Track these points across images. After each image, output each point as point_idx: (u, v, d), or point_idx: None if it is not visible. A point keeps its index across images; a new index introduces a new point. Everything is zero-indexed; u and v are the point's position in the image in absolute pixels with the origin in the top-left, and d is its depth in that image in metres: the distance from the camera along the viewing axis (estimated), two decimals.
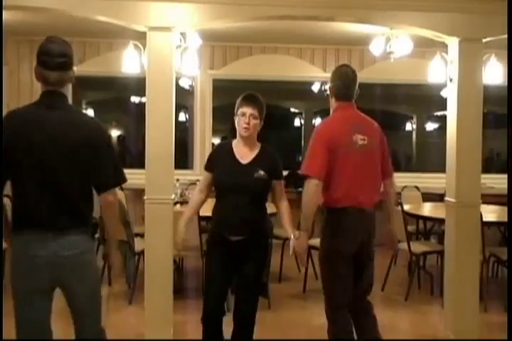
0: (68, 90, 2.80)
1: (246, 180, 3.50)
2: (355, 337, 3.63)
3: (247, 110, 3.51)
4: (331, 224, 3.61)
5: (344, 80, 3.60)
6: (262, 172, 3.52)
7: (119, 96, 9.65)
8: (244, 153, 3.59)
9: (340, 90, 3.62)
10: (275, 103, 10.03)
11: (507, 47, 3.97)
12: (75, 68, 2.78)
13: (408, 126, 10.42)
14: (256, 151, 3.60)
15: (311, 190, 3.44)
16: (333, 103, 3.70)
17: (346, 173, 3.50)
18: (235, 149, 3.61)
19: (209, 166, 3.68)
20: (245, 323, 3.59)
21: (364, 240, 3.56)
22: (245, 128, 3.51)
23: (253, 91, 3.62)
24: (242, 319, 3.59)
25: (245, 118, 3.51)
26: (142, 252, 4.90)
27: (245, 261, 3.54)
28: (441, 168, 4.97)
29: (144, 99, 4.63)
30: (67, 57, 2.71)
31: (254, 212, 3.57)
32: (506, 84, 4.07)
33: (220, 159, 3.63)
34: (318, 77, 8.77)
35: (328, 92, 3.71)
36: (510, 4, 3.90)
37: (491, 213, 6.02)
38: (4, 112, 2.76)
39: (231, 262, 3.55)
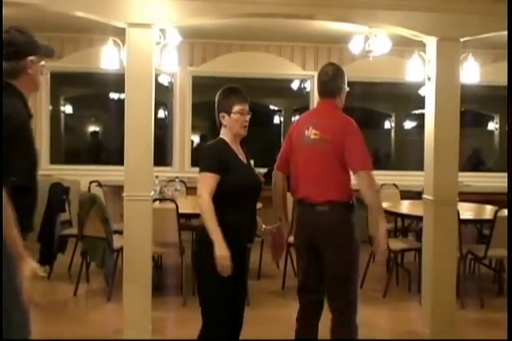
0: (35, 81, 2.68)
1: (259, 182, 3.32)
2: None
3: (245, 107, 3.22)
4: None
5: (321, 78, 3.64)
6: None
7: (98, 93, 9.60)
8: (240, 153, 3.28)
9: (318, 88, 3.68)
10: (255, 100, 10.00)
11: (507, 47, 3.98)
12: (32, 58, 2.58)
13: (387, 124, 10.50)
14: (241, 149, 3.36)
15: (272, 181, 3.69)
16: None
17: (296, 166, 3.57)
18: (233, 148, 3.26)
19: (219, 167, 3.11)
20: (240, 324, 3.35)
21: (314, 237, 3.46)
22: (246, 126, 3.26)
23: (235, 85, 3.33)
24: (239, 321, 3.35)
25: (245, 115, 3.22)
26: (121, 249, 4.88)
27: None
28: (419, 165, 5.01)
29: (123, 96, 4.60)
30: (16, 46, 2.55)
31: None
32: (482, 84, 4.12)
33: (230, 160, 3.19)
34: (298, 75, 8.83)
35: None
36: (510, 4, 3.90)
37: (468, 211, 6.09)
38: None
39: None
